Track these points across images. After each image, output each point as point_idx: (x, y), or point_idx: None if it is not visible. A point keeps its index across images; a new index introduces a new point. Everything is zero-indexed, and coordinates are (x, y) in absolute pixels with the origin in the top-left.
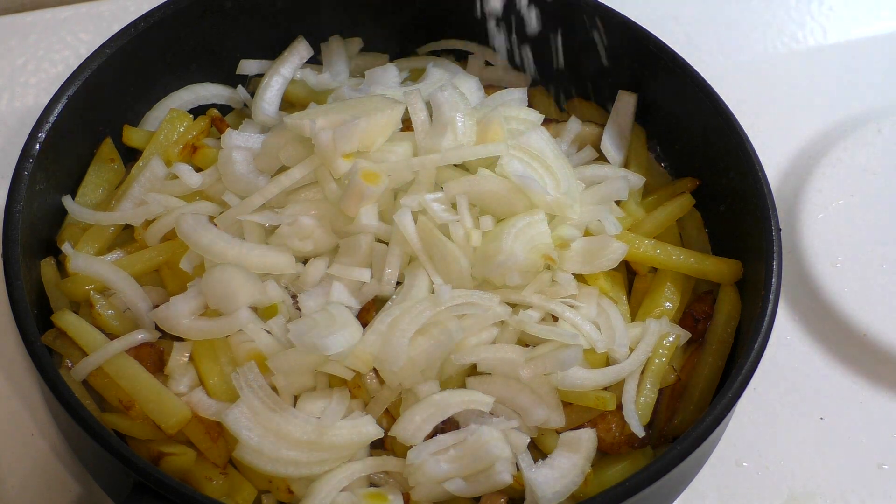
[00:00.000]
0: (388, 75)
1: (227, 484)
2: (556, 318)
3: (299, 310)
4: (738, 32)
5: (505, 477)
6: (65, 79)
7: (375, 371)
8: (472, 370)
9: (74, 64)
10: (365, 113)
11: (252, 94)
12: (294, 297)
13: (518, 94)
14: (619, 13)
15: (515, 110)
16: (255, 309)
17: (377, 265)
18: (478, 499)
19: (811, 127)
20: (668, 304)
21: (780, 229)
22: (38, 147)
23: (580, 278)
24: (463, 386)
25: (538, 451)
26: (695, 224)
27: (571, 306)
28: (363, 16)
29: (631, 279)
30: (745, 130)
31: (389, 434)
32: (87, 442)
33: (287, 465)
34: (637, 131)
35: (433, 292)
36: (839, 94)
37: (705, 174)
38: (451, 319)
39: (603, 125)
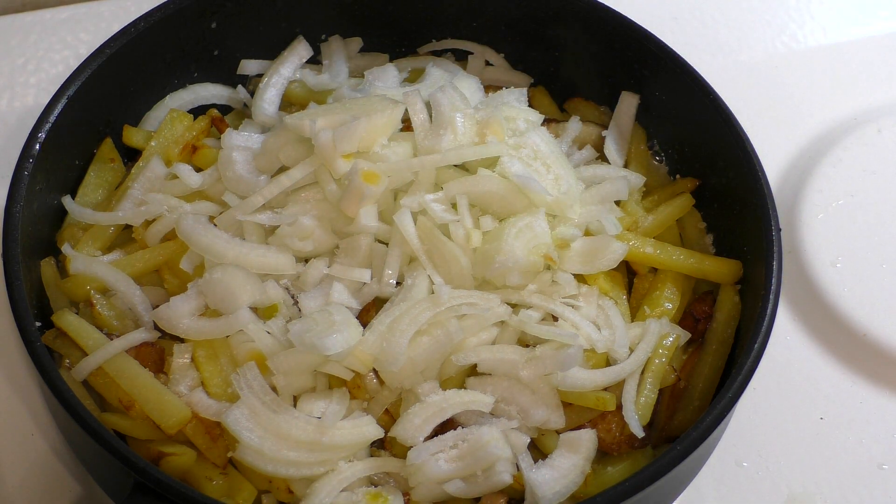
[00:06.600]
0: (388, 75)
1: (227, 484)
2: (556, 318)
3: (300, 310)
4: (738, 32)
5: (505, 477)
6: (65, 79)
7: (375, 371)
8: (472, 370)
9: (74, 64)
10: (365, 113)
11: (252, 94)
12: (294, 297)
13: (518, 94)
14: (619, 13)
15: (515, 110)
16: (255, 309)
17: (377, 265)
18: (478, 499)
19: (811, 127)
20: (668, 304)
21: (780, 229)
22: (38, 147)
23: (580, 278)
24: (463, 386)
25: (538, 451)
26: (695, 224)
27: (572, 306)
28: (363, 16)
29: (631, 279)
30: (745, 130)
31: (389, 434)
32: (87, 442)
33: (287, 466)
34: (637, 131)
35: (433, 292)
36: (839, 94)
37: (705, 174)
38: (451, 319)
39: (603, 125)
